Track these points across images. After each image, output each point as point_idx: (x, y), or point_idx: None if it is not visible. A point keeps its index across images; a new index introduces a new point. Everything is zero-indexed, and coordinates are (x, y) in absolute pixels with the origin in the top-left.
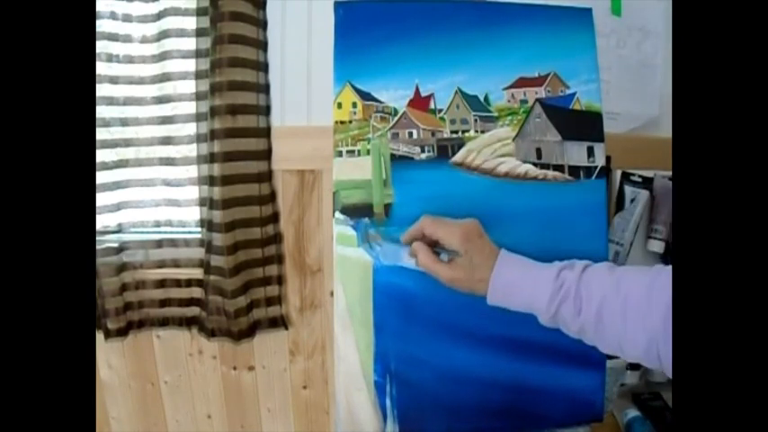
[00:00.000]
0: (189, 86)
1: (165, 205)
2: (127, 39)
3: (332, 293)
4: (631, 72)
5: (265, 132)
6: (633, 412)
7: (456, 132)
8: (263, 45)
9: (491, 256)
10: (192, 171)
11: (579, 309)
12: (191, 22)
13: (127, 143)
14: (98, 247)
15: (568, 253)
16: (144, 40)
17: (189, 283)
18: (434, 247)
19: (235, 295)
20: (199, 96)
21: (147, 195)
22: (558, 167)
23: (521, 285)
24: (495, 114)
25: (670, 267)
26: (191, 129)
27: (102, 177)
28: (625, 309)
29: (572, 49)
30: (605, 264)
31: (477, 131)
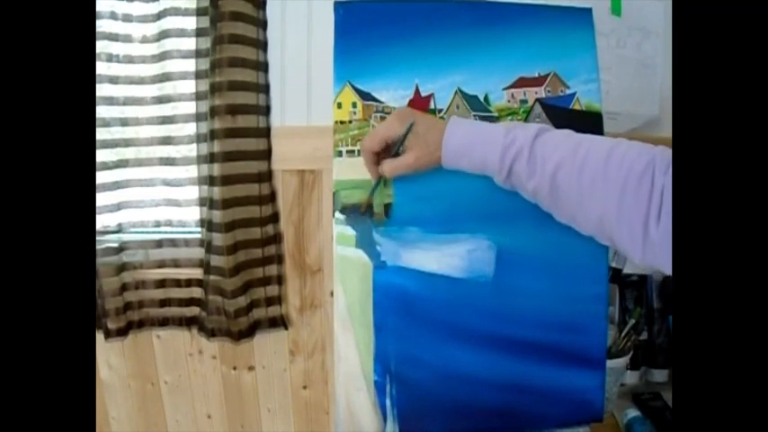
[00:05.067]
0: (189, 86)
1: (165, 205)
2: (127, 39)
3: (332, 293)
4: (631, 72)
5: (265, 132)
6: (633, 412)
7: None
8: (263, 45)
9: (436, 123)
10: (192, 171)
11: (533, 170)
12: (191, 22)
13: (127, 143)
14: (98, 247)
15: (569, 252)
16: (144, 40)
17: (189, 283)
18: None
19: (235, 295)
20: (199, 96)
21: (147, 195)
22: None
23: (472, 144)
24: (495, 114)
25: (629, 142)
26: (191, 129)
27: (102, 177)
28: (580, 176)
29: (572, 49)
30: (565, 129)
31: None
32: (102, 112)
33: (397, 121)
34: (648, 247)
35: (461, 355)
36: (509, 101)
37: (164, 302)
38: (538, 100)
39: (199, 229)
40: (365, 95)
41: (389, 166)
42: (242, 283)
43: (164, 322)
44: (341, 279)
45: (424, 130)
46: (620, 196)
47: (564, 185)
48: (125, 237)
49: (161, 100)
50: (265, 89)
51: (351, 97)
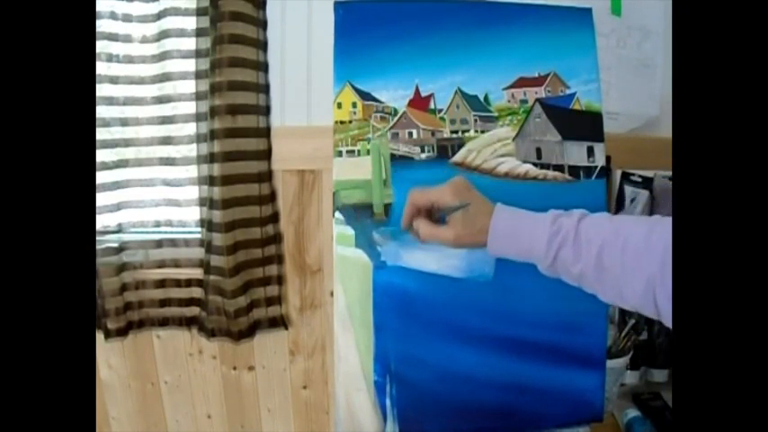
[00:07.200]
0: (189, 86)
1: (165, 205)
2: (127, 39)
3: (332, 293)
4: (631, 72)
5: (265, 132)
6: (633, 412)
7: (456, 132)
8: (263, 45)
9: (486, 205)
10: (192, 171)
11: (579, 253)
12: (191, 22)
13: (127, 143)
14: (98, 247)
15: None
16: (144, 40)
17: (189, 283)
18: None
19: (235, 295)
20: (199, 96)
21: (147, 195)
22: (558, 167)
23: (519, 231)
24: (495, 114)
25: (668, 218)
26: (191, 129)
27: (102, 177)
28: (624, 253)
29: (572, 49)
30: (604, 213)
31: (477, 131)
32: (102, 112)
33: (451, 192)
34: None
35: (461, 355)
36: (509, 101)
37: (164, 302)
38: (538, 100)
39: (199, 229)
40: (365, 95)
41: (428, 231)
42: (242, 283)
43: (164, 322)
44: (341, 279)
45: (474, 211)
46: (663, 264)
47: (608, 264)
48: (125, 237)
49: (161, 100)
50: (265, 89)
51: (351, 97)
